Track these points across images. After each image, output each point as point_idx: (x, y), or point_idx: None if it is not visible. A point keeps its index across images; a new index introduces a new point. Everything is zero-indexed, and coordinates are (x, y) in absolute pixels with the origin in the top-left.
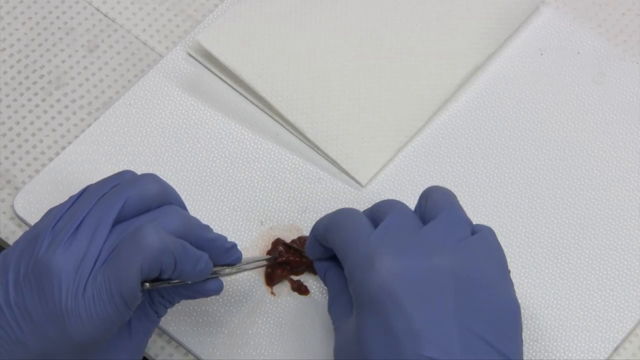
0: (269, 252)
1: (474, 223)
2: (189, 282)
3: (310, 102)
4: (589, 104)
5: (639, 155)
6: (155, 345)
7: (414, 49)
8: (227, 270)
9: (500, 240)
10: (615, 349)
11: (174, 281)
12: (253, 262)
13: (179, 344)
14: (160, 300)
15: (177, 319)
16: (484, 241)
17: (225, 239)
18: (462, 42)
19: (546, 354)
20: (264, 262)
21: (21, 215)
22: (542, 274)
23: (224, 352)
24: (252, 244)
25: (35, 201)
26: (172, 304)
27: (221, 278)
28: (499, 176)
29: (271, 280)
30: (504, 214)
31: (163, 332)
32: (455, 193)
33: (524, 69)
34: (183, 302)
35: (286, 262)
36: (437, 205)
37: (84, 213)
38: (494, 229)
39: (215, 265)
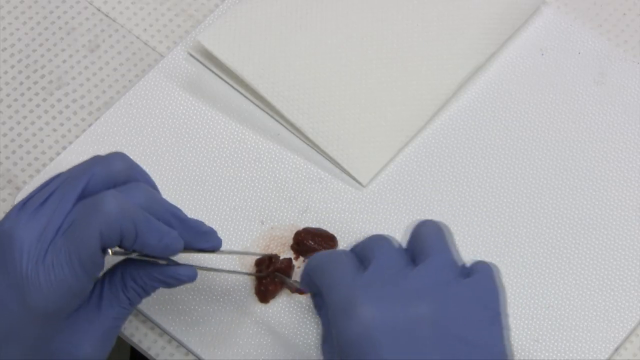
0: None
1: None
2: (159, 261)
3: (311, 102)
4: (589, 104)
5: None
6: (156, 345)
7: (415, 49)
8: (209, 265)
9: (500, 241)
10: (616, 349)
11: (143, 256)
12: (239, 253)
13: (180, 344)
14: (132, 285)
15: (177, 318)
16: (474, 286)
17: (202, 223)
18: (463, 43)
19: (546, 354)
20: (251, 271)
21: None
22: (542, 274)
23: (224, 351)
24: (252, 243)
25: None
26: (145, 291)
27: (203, 272)
28: (499, 176)
29: (264, 297)
30: (504, 214)
31: (164, 332)
32: (455, 193)
33: (525, 69)
34: (183, 301)
35: (276, 270)
36: (426, 246)
37: (51, 191)
38: (494, 229)
39: (191, 250)
